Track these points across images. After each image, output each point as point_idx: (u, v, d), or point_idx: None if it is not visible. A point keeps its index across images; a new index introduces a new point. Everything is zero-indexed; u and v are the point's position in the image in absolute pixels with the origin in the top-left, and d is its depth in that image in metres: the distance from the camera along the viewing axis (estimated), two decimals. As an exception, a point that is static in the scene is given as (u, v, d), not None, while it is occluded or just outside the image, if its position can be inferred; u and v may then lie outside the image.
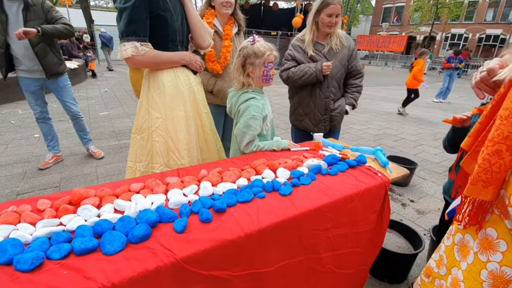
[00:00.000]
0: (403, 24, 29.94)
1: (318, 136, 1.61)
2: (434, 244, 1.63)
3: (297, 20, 11.95)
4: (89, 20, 15.97)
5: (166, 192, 1.03)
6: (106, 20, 14.91)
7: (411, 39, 26.98)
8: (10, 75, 2.73)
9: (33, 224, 0.81)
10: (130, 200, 0.95)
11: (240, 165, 1.29)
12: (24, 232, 0.76)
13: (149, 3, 1.23)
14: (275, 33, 13.63)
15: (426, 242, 1.88)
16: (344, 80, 2.06)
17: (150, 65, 1.37)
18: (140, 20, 1.23)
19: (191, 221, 0.87)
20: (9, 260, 0.67)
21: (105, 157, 3.35)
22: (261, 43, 1.43)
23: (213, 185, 1.08)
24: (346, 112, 2.06)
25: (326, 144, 1.57)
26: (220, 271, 0.84)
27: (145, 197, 0.98)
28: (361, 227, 1.24)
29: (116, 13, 1.31)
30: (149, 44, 1.30)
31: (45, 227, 0.79)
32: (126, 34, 1.24)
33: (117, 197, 0.97)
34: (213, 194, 1.04)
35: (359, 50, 21.50)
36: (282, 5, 16.93)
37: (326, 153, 1.41)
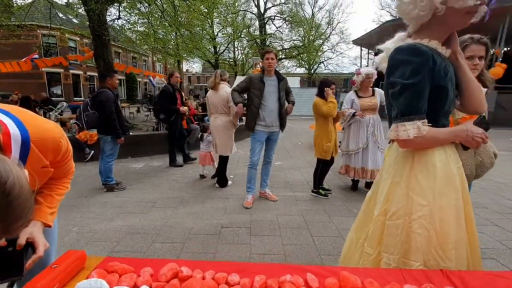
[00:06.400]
0: None
1: None
2: None
3: (497, 70, 9.62)
4: None
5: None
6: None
7: None
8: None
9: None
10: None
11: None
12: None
13: (432, 74, 1.07)
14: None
15: None
16: None
17: (425, 146, 1.14)
18: (425, 96, 1.07)
19: None
20: None
21: (283, 207, 3.53)
22: None
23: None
24: None
25: None
26: None
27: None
28: None
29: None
30: (426, 120, 1.09)
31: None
32: (410, 113, 1.08)
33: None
34: None
35: None
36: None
37: None
